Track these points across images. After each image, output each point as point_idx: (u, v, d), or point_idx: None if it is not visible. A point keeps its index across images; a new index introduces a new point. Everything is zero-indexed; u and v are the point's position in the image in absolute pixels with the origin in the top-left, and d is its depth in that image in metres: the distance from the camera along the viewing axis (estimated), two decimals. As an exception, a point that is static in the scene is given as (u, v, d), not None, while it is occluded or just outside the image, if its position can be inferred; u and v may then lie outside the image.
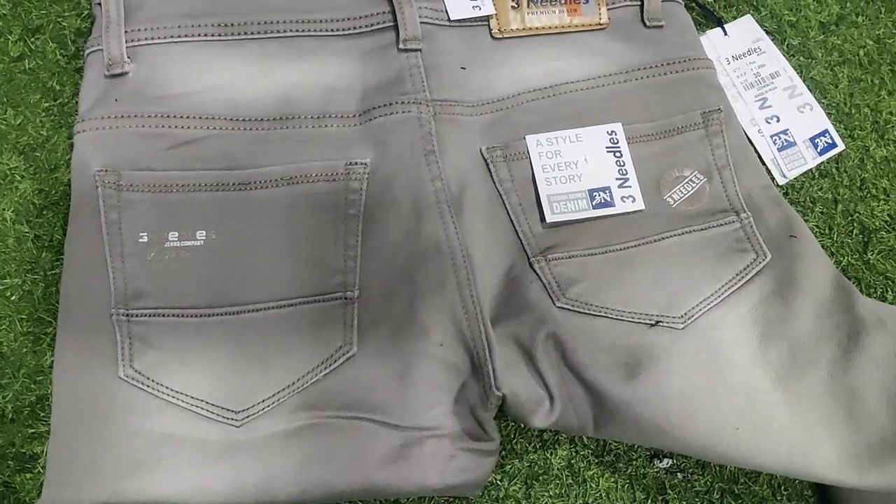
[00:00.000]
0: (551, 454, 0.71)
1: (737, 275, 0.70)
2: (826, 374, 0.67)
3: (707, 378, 0.66)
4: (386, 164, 0.72)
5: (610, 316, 0.69)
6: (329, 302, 0.68)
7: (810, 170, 0.81)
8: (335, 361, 0.67)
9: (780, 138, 0.81)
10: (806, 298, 0.69)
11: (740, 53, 0.84)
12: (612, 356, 0.67)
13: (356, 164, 0.72)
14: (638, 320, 0.69)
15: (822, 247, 0.76)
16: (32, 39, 0.78)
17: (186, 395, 0.66)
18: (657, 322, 0.68)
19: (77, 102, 0.72)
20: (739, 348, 0.68)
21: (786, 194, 0.80)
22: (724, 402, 0.65)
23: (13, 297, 0.71)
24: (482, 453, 0.66)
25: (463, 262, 0.69)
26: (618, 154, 0.75)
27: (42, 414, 0.69)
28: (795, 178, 0.81)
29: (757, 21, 0.85)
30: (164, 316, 0.67)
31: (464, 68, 0.76)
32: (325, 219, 0.71)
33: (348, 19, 0.76)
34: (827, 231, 0.80)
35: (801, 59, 0.86)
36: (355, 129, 0.73)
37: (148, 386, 0.65)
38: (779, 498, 0.71)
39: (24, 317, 0.71)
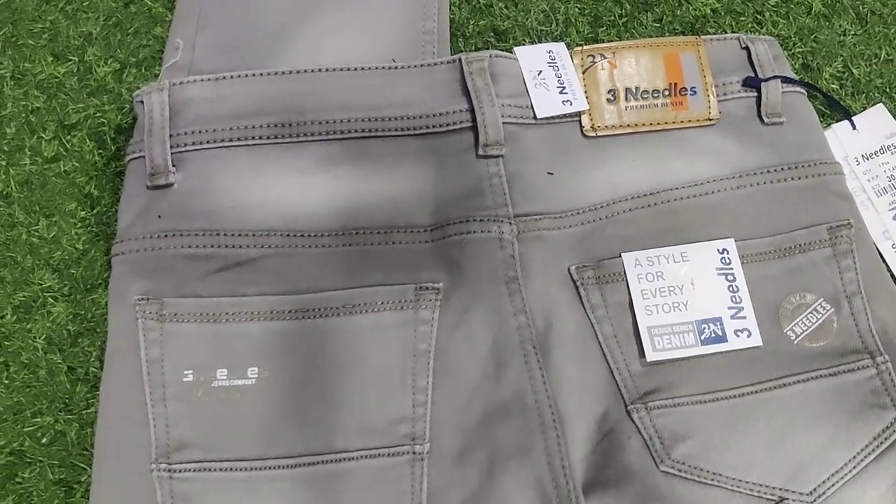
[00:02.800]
0: None
1: (874, 438, 0.60)
2: None
3: None
4: (461, 292, 0.63)
5: (723, 486, 0.59)
6: (395, 457, 0.60)
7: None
8: None
9: (920, 254, 0.70)
10: None
11: (872, 152, 0.72)
12: None
13: (427, 288, 0.63)
14: (758, 494, 0.59)
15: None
16: (68, 137, 0.70)
17: None
18: (781, 499, 0.58)
19: (116, 212, 0.64)
20: None
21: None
22: None
23: (44, 440, 0.64)
24: None
25: (552, 422, 0.59)
26: (731, 277, 0.64)
27: (76, 579, 0.62)
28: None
29: (891, 112, 0.74)
30: (210, 471, 0.59)
31: (551, 173, 0.67)
32: (390, 354, 0.62)
33: (422, 117, 0.67)
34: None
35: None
36: (426, 247, 0.64)
37: None
38: None
39: (55, 462, 0.63)
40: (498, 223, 0.64)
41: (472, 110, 0.66)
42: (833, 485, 0.59)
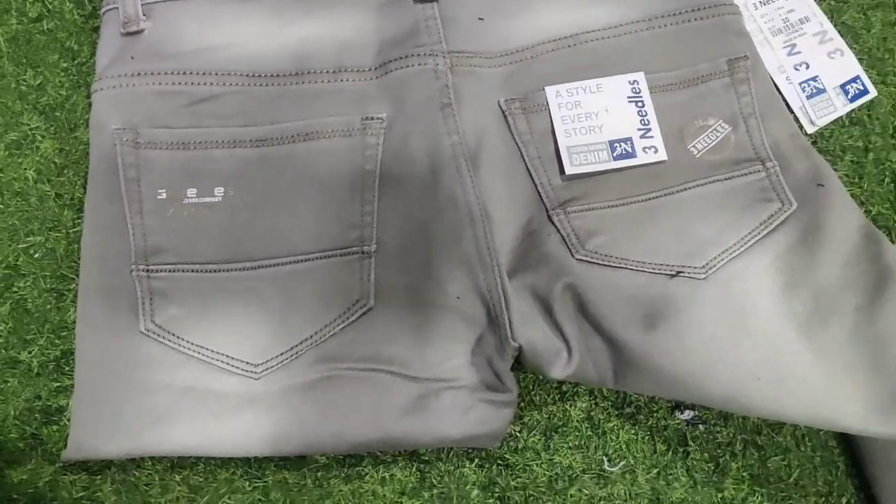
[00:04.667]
0: (571, 406, 0.71)
1: (760, 224, 0.69)
2: (851, 323, 0.65)
3: (729, 329, 0.65)
4: (402, 119, 0.71)
5: (630, 267, 0.68)
6: (346, 256, 0.68)
7: (841, 117, 0.79)
8: (353, 315, 0.67)
9: (809, 85, 0.79)
10: (832, 248, 0.68)
11: None
12: (632, 308, 0.66)
13: (372, 118, 0.71)
14: (658, 271, 0.68)
15: (852, 196, 0.74)
16: (50, 0, 0.78)
17: (206, 349, 0.66)
18: (678, 272, 0.67)
19: (94, 62, 0.73)
20: (762, 298, 0.66)
21: (814, 143, 0.78)
22: (746, 353, 0.64)
23: (36, 255, 0.72)
24: (500, 405, 0.66)
25: (480, 215, 0.68)
26: (640, 104, 0.73)
27: (67, 368, 0.71)
28: (825, 127, 0.78)
29: (786, -38, 0.83)
30: (183, 271, 0.68)
31: (482, 19, 0.75)
32: (342, 174, 0.70)
33: None
34: (857, 180, 0.77)
35: (832, 2, 0.83)
36: (371, 84, 0.73)
37: (169, 340, 0.66)
38: (802, 449, 0.71)
39: (47, 273, 0.72)
40: (433, 57, 0.72)
41: None
42: (723, 260, 0.67)
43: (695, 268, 0.67)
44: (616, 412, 0.71)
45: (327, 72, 0.73)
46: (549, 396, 0.71)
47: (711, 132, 0.73)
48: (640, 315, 0.66)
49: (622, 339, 0.65)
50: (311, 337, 0.67)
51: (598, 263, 0.68)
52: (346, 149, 0.71)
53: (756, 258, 0.68)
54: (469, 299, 0.67)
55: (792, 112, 0.78)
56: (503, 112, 0.72)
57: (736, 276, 0.67)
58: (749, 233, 0.69)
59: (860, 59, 0.80)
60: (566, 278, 0.67)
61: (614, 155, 0.71)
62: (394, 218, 0.69)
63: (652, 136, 0.72)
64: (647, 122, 0.72)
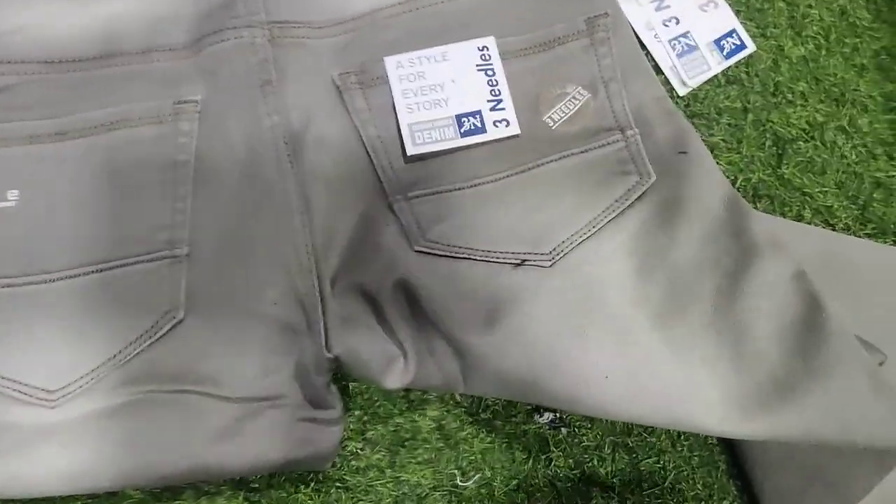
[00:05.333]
0: (420, 416, 0.64)
1: (615, 201, 0.62)
2: (709, 308, 0.59)
3: (575, 321, 0.58)
4: (219, 100, 0.63)
5: (473, 257, 0.61)
6: (154, 262, 0.60)
7: (716, 76, 0.72)
8: (161, 329, 0.59)
9: (679, 42, 0.72)
10: (691, 222, 0.61)
11: None
12: (473, 303, 0.59)
13: (185, 102, 0.63)
14: (503, 260, 0.61)
15: (731, 163, 0.69)
16: None
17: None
18: (523, 261, 0.60)
19: None
20: (613, 285, 0.60)
21: (687, 106, 0.71)
22: (594, 348, 0.58)
23: None
24: (325, 423, 0.59)
25: (299, 208, 0.61)
26: (490, 73, 0.66)
27: None
28: (699, 87, 0.72)
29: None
30: None
31: (311, -16, 0.67)
32: (151, 167, 0.62)
33: None
34: (735, 145, 0.71)
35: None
36: (185, 63, 0.64)
37: None
38: (679, 449, 0.65)
39: None
40: (250, 29, 0.64)
41: None
42: (572, 243, 0.61)
43: (541, 254, 0.60)
44: (470, 419, 0.64)
45: (136, 53, 0.64)
46: (395, 407, 0.65)
47: (569, 100, 0.66)
48: (482, 311, 0.59)
49: (460, 340, 0.58)
50: (114, 357, 0.59)
51: (439, 255, 0.61)
52: (155, 138, 0.63)
53: (608, 239, 0.61)
54: (288, 305, 0.60)
55: (661, 73, 0.71)
56: (337, 87, 0.65)
57: (586, 260, 0.60)
58: (602, 211, 0.62)
59: (737, 11, 0.73)
60: (397, 273, 0.60)
61: (462, 131, 0.64)
62: (209, 216, 0.62)
63: (503, 109, 0.65)
64: (497, 93, 0.65)
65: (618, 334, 0.58)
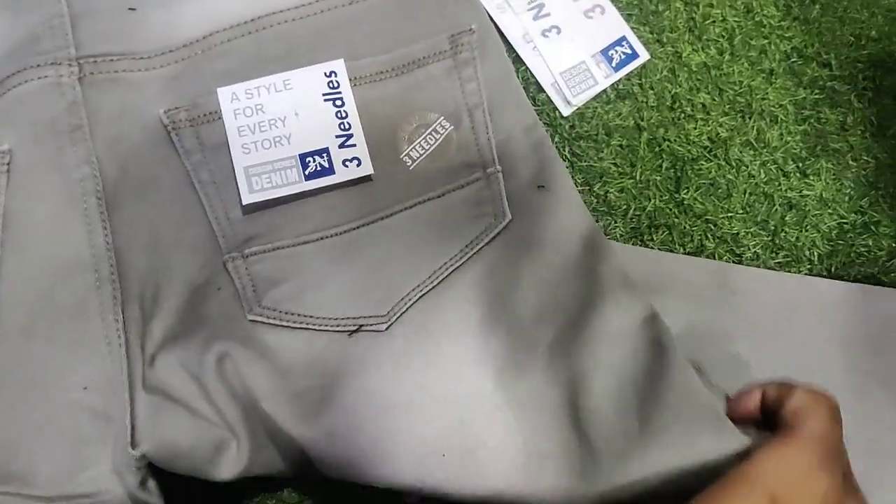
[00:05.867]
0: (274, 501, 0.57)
1: (465, 247, 0.55)
2: (545, 362, 0.52)
3: (406, 391, 0.51)
4: (26, 150, 0.56)
5: (311, 327, 0.53)
6: None
7: (604, 91, 0.64)
8: None
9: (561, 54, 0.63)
10: (538, 265, 0.54)
11: None
12: (306, 380, 0.52)
13: None
14: (341, 327, 0.53)
15: (622, 190, 0.62)
16: None
17: None
18: (359, 327, 0.53)
19: None
20: (454, 342, 0.53)
21: (572, 127, 0.63)
22: (427, 422, 0.51)
23: None
24: None
25: (110, 274, 0.53)
26: (339, 103, 0.58)
27: None
28: (585, 105, 0.64)
29: None
30: None
31: (133, 9, 0.59)
32: None
33: None
34: (628, 169, 0.63)
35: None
36: None
37: None
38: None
39: None
40: (56, 66, 0.56)
41: None
42: (411, 299, 0.53)
43: (376, 317, 0.53)
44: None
45: None
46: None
47: (430, 133, 0.58)
48: (315, 388, 0.52)
49: (283, 426, 0.51)
50: None
51: (273, 324, 0.53)
52: None
53: (449, 288, 0.54)
54: (100, 389, 0.52)
55: (543, 91, 0.63)
56: (165, 126, 0.57)
57: (426, 318, 0.53)
58: (449, 260, 0.55)
59: (628, 16, 0.65)
60: (227, 346, 0.53)
61: (307, 173, 0.56)
62: (18, 286, 0.54)
63: (354, 145, 0.57)
64: (347, 127, 0.57)
65: (454, 403, 0.51)
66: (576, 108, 0.63)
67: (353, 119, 0.57)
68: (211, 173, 0.56)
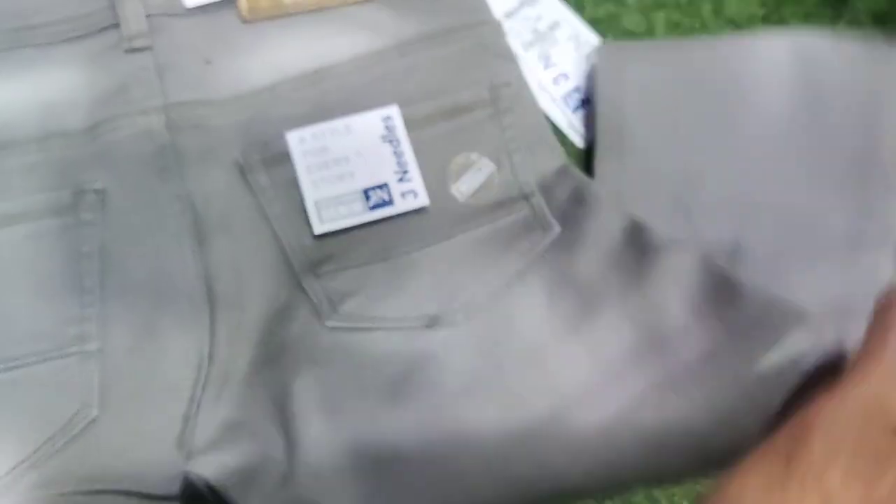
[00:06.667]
0: None
1: (522, 254, 0.63)
2: (617, 310, 0.60)
3: (489, 368, 0.59)
4: (121, 190, 0.62)
5: (386, 327, 0.60)
6: (65, 359, 0.58)
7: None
8: (75, 428, 0.57)
9: (572, 97, 0.72)
10: (592, 248, 0.62)
11: (512, 9, 0.74)
12: (390, 367, 0.59)
13: (85, 191, 0.61)
14: (416, 324, 0.60)
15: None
16: None
17: None
18: (435, 321, 0.60)
19: None
20: (526, 324, 0.61)
21: (588, 156, 0.71)
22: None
23: None
24: None
25: (204, 301, 0.60)
26: (395, 143, 0.65)
27: None
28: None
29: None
30: None
31: (209, 62, 0.66)
32: (56, 260, 0.60)
33: (69, 20, 0.65)
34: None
35: (612, 8, 0.77)
36: (84, 150, 0.63)
37: None
38: None
39: None
40: (145, 116, 0.63)
41: (113, 7, 0.65)
42: (483, 296, 0.61)
43: (452, 310, 0.61)
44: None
45: (31, 141, 0.63)
46: None
47: (475, 171, 0.66)
48: (399, 381, 0.59)
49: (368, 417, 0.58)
50: (28, 458, 0.56)
51: (351, 328, 0.60)
52: (58, 230, 0.61)
53: (518, 285, 0.62)
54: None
55: (560, 132, 0.71)
56: (240, 167, 0.64)
57: (498, 310, 0.61)
58: (511, 267, 0.62)
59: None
60: (310, 359, 0.59)
61: (370, 205, 0.63)
62: (119, 309, 0.60)
63: (410, 180, 0.64)
64: (404, 164, 0.65)
65: (537, 365, 0.59)
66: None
67: (409, 157, 0.65)
68: (282, 206, 0.63)
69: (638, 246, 0.62)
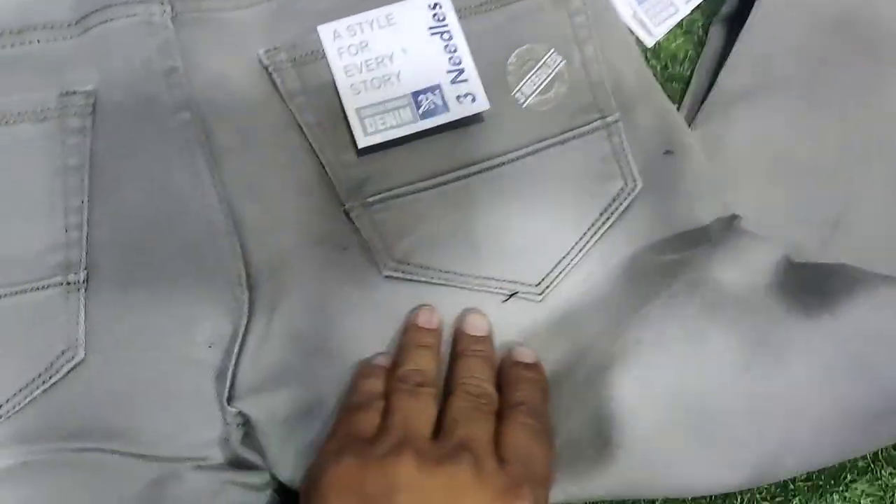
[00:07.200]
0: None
1: (600, 214, 0.53)
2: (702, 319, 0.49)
3: (568, 362, 0.51)
4: (114, 92, 0.51)
5: (451, 283, 0.52)
6: (45, 290, 0.49)
7: (681, 21, 0.63)
8: (56, 372, 0.49)
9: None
10: (683, 242, 0.53)
11: None
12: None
13: (74, 93, 0.51)
14: (487, 288, 0.52)
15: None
16: None
17: None
18: (514, 293, 0.52)
19: None
20: (601, 312, 0.52)
21: (661, 63, 0.62)
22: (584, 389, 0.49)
23: None
24: (254, 488, 0.51)
25: (226, 227, 0.50)
26: (447, 36, 0.55)
27: None
28: (664, 36, 0.62)
29: None
30: None
31: (220, -60, 0.54)
32: (36, 174, 0.50)
33: None
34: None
35: None
36: (70, 45, 0.52)
37: None
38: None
39: None
40: (145, 4, 0.51)
41: None
42: (561, 271, 0.52)
43: (529, 285, 0.52)
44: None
45: (9, 32, 0.51)
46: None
47: (541, 68, 0.56)
48: None
49: None
50: (1, 407, 0.48)
51: (412, 279, 0.51)
52: (40, 138, 0.50)
53: (598, 264, 0.53)
54: (225, 347, 0.50)
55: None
56: (265, 68, 0.53)
57: (575, 290, 0.52)
58: (588, 228, 0.53)
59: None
60: (364, 311, 0.51)
61: (420, 112, 0.54)
62: (112, 233, 0.50)
63: (467, 80, 0.55)
64: (458, 61, 0.55)
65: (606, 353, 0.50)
66: (656, 39, 0.62)
67: (464, 53, 0.55)
68: (316, 114, 0.53)
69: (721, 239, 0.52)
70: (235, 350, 0.50)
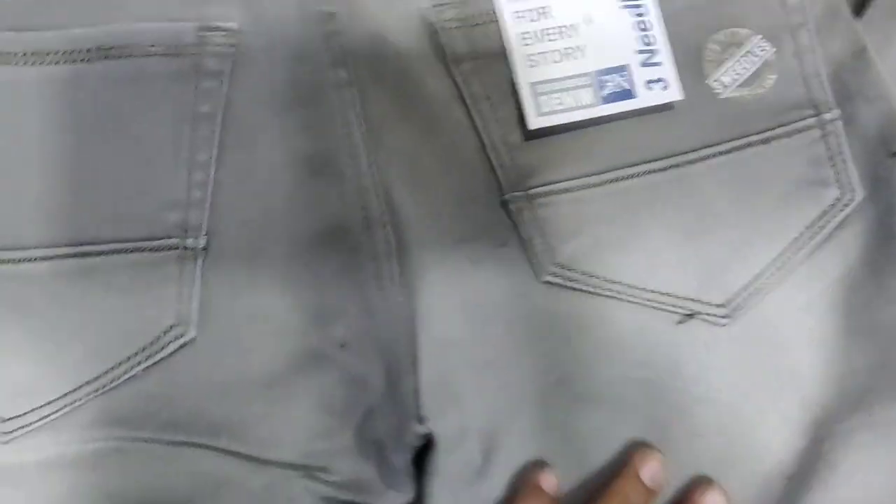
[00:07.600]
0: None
1: (807, 228, 0.45)
2: None
3: (755, 403, 0.44)
4: (260, 34, 0.45)
5: (619, 296, 0.44)
6: (158, 252, 0.43)
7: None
8: (161, 349, 0.42)
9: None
10: None
11: None
12: (621, 367, 0.44)
13: (215, 28, 0.44)
14: (661, 306, 0.44)
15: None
16: None
17: None
18: (691, 313, 0.44)
19: None
20: (806, 351, 0.44)
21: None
22: (775, 438, 0.43)
23: None
24: None
25: (380, 207, 0.44)
26: (640, 11, 0.47)
27: None
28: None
29: None
30: None
31: None
32: (159, 117, 0.43)
33: None
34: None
35: None
36: None
37: None
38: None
39: None
40: None
41: None
42: (752, 293, 0.45)
43: (713, 305, 0.44)
44: None
45: None
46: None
47: (744, 56, 0.48)
48: (632, 381, 0.44)
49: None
50: (95, 380, 0.42)
51: (575, 288, 0.44)
52: (170, 76, 0.44)
53: (802, 287, 0.45)
54: (362, 350, 0.44)
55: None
56: (431, 25, 0.46)
57: (771, 316, 0.45)
58: (791, 243, 0.45)
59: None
60: (516, 317, 0.44)
61: (604, 94, 0.46)
62: (240, 197, 0.44)
63: (660, 63, 0.47)
64: (651, 41, 0.47)
65: (808, 418, 0.44)
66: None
67: (659, 31, 0.47)
68: (484, 86, 0.46)
69: None
70: (409, 356, 0.44)
